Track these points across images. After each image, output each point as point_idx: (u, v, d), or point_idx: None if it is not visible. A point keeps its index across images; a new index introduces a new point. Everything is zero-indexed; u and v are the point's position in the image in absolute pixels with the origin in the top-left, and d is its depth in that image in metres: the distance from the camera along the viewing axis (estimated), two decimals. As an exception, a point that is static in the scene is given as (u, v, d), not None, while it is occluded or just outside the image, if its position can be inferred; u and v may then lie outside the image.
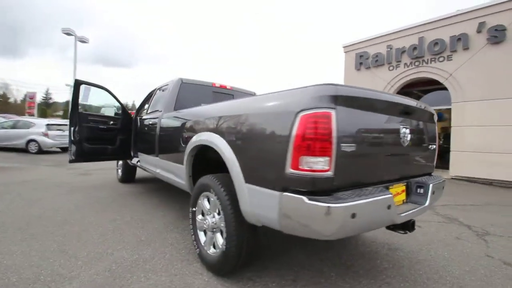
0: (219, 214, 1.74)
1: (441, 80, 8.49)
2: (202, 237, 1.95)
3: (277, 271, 1.93)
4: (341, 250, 2.42)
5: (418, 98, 10.06)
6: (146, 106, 4.35)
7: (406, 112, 1.73)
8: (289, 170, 1.23)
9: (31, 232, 2.64)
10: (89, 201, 3.71)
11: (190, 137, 2.25)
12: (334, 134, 1.19)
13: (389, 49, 9.68)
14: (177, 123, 2.66)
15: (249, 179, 1.47)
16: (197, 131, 2.16)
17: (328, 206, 1.11)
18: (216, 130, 1.82)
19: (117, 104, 4.34)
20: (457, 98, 8.13)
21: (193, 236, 2.03)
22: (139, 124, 4.04)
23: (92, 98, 4.06)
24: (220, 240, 1.74)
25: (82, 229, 2.75)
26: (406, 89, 9.87)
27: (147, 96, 4.39)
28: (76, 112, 3.71)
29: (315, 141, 1.17)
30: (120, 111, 4.41)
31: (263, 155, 1.41)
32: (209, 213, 1.86)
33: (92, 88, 3.92)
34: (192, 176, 2.31)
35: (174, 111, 3.14)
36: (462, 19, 7.72)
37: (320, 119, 1.18)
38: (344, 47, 11.40)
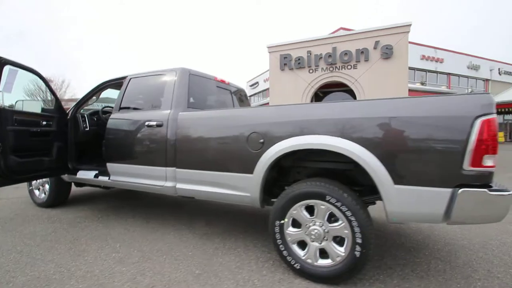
0: (334, 222, 1.69)
1: (349, 84, 10.52)
2: (298, 250, 1.79)
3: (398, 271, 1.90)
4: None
5: (321, 98, 12.04)
6: (99, 103, 3.09)
7: None
8: (468, 168, 1.39)
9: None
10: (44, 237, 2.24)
11: (272, 141, 1.82)
12: (497, 135, 1.44)
13: (309, 54, 11.06)
14: (232, 125, 1.99)
15: (400, 180, 1.52)
16: (288, 135, 1.77)
17: (510, 194, 1.35)
18: (341, 134, 1.64)
19: (49, 96, 2.86)
20: (360, 97, 10.31)
21: (284, 251, 1.80)
22: (111, 126, 2.73)
23: (17, 88, 2.45)
24: (337, 248, 1.68)
25: None
26: (322, 89, 11.63)
27: (98, 88, 3.11)
28: None
29: (492, 141, 1.37)
30: (53, 107, 2.93)
31: (429, 156, 1.48)
32: (312, 222, 1.74)
33: (20, 72, 2.36)
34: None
35: (190, 108, 2.40)
36: (365, 36, 9.81)
37: (493, 123, 1.40)
38: (268, 47, 12.10)
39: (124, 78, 2.88)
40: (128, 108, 2.75)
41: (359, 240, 1.60)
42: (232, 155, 2.05)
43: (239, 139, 2.00)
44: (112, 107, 3.54)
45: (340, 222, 1.67)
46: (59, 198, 3.37)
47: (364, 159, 1.58)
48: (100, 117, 3.42)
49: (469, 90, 23.12)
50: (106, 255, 2.09)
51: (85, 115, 3.29)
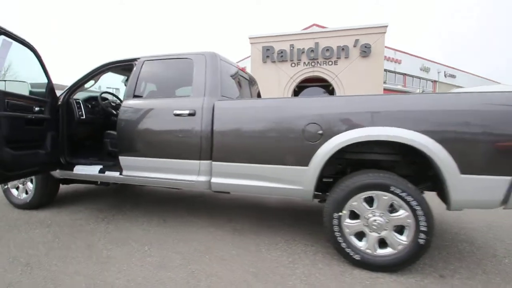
0: (393, 211, 1.75)
1: (329, 80, 10.86)
2: (356, 241, 1.82)
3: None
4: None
5: (297, 93, 12.30)
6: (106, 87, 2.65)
7: None
8: None
9: None
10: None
11: (333, 133, 1.80)
12: None
13: (291, 48, 11.10)
14: (285, 116, 1.87)
15: (466, 170, 1.62)
16: (351, 126, 1.77)
17: None
18: (411, 126, 1.69)
19: (41, 79, 2.33)
20: (340, 93, 10.74)
21: (342, 244, 1.80)
22: (126, 114, 2.30)
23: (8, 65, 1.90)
24: (399, 237, 1.74)
25: None
26: (304, 84, 11.82)
27: (98, 70, 2.63)
28: None
29: None
30: (45, 90, 2.41)
31: (493, 148, 1.59)
32: (372, 213, 1.77)
33: (14, 45, 1.84)
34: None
35: (223, 96, 2.19)
36: (345, 34, 10.15)
37: None
38: (250, 38, 11.84)
39: (134, 60, 2.52)
40: (141, 96, 2.42)
41: (423, 228, 1.65)
42: (284, 147, 1.95)
43: (294, 130, 1.90)
44: (110, 93, 3.13)
45: (402, 211, 1.71)
46: (46, 198, 2.88)
47: (434, 151, 1.64)
48: (98, 104, 2.98)
49: (421, 90, 25.62)
50: (140, 260, 1.84)
51: (80, 101, 2.84)
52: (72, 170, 2.60)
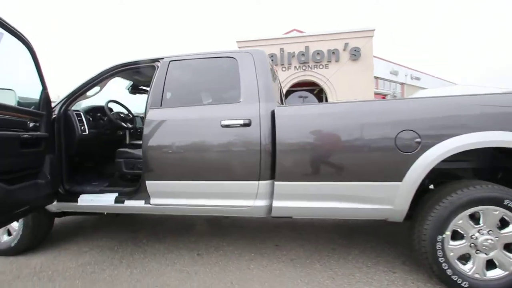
0: (504, 227, 1.53)
1: (321, 83, 10.84)
2: (461, 266, 1.58)
3: None
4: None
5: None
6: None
7: None
8: None
9: None
10: None
11: (435, 140, 1.50)
12: None
13: (281, 52, 10.94)
14: (371, 122, 1.53)
15: None
16: (458, 131, 1.50)
17: None
18: None
19: (30, 86, 1.74)
20: (332, 96, 10.74)
21: (448, 270, 1.54)
22: (154, 128, 1.76)
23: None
24: (510, 256, 1.53)
25: None
26: (294, 88, 11.69)
27: (105, 75, 2.07)
28: None
29: None
30: (39, 100, 1.81)
31: None
32: (478, 232, 1.55)
33: (5, 38, 1.27)
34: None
35: (274, 101, 1.77)
36: (335, 37, 10.20)
37: None
38: (238, 42, 11.51)
39: (155, 61, 2.03)
40: (172, 103, 1.93)
41: None
42: (369, 160, 1.60)
43: (383, 139, 1.57)
44: (116, 102, 2.57)
45: None
46: (37, 240, 2.24)
47: None
48: (103, 116, 2.42)
49: (392, 92, 26.89)
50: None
51: (81, 113, 2.26)
52: (76, 201, 2.02)
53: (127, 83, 2.82)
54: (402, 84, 29.81)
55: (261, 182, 1.71)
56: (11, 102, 1.82)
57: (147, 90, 2.92)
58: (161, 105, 1.88)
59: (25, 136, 1.54)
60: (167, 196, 1.85)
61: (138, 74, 2.43)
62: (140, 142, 2.58)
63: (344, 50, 10.25)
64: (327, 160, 1.65)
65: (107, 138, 2.43)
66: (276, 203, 1.73)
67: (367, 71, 10.27)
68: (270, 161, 1.68)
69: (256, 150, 1.69)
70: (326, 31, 10.49)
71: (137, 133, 2.69)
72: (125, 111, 2.58)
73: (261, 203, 1.74)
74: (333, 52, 10.37)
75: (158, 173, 1.82)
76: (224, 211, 1.81)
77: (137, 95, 2.94)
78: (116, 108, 2.53)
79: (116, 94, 3.03)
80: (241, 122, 1.71)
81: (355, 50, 10.16)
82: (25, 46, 1.58)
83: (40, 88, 1.85)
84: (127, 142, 2.65)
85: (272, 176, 1.70)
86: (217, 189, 1.77)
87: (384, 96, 18.85)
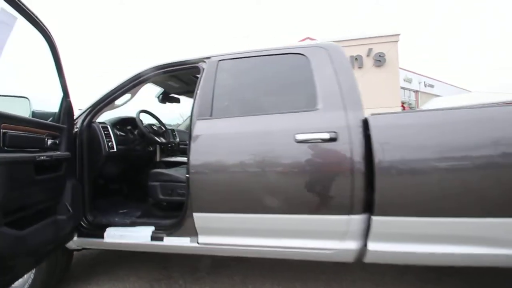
0: None
1: (342, 91, 10.32)
2: None
3: None
4: None
5: None
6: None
7: None
8: None
9: None
10: None
11: None
12: None
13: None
14: None
15: None
16: None
17: None
18: None
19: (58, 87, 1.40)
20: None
21: None
22: (205, 145, 1.34)
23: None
24: None
25: None
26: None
27: (137, 79, 1.71)
28: None
29: None
30: (61, 109, 1.47)
31: None
32: None
33: (19, 24, 0.96)
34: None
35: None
36: (358, 43, 9.79)
37: None
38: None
39: (200, 61, 1.64)
40: (225, 113, 1.51)
41: None
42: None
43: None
44: (146, 112, 2.18)
45: None
46: (52, 282, 1.82)
47: None
48: (132, 130, 2.04)
49: (407, 100, 25.83)
50: None
51: (108, 126, 1.88)
52: (101, 236, 1.60)
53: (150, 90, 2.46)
54: (416, 91, 28.86)
55: (352, 216, 1.24)
56: (25, 113, 1.46)
57: (178, 99, 2.55)
58: (211, 115, 1.46)
59: (42, 158, 1.14)
60: (221, 234, 1.40)
61: (173, 79, 2.06)
62: (173, 159, 2.15)
63: (367, 56, 9.80)
64: (458, 186, 1.17)
65: (136, 156, 2.04)
66: (373, 246, 1.25)
67: (392, 78, 9.73)
68: (365, 189, 1.22)
69: (345, 173, 1.23)
70: (347, 36, 10.10)
71: (168, 149, 2.30)
72: (157, 123, 2.19)
73: (351, 245, 1.27)
74: (356, 58, 9.94)
75: (211, 203, 1.39)
76: (298, 254, 1.35)
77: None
78: (145, 119, 2.14)
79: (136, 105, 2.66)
80: (324, 136, 1.26)
81: (379, 55, 9.70)
82: (43, 36, 1.21)
83: (60, 94, 1.48)
84: (158, 159, 2.26)
85: (368, 209, 1.23)
86: (290, 225, 1.31)
87: (402, 104, 18.11)
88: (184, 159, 2.28)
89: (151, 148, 2.16)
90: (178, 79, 2.07)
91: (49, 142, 1.32)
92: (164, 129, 2.18)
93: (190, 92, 2.47)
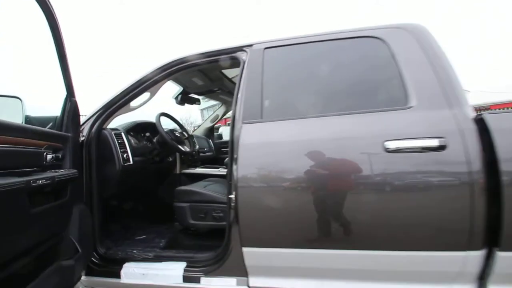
0: None
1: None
2: None
3: None
4: None
5: None
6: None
7: None
8: None
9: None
10: None
11: None
12: None
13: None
14: None
15: None
16: None
17: None
18: None
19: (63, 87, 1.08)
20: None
21: None
22: (253, 159, 0.98)
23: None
24: None
25: None
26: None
27: (159, 74, 1.38)
28: None
29: None
30: (64, 113, 1.14)
31: None
32: None
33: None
34: None
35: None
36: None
37: None
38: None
39: (239, 49, 1.32)
40: (283, 112, 1.17)
41: None
42: None
43: None
44: (167, 115, 1.84)
45: None
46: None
47: None
48: (151, 137, 1.69)
49: None
50: None
51: (122, 133, 1.53)
52: (117, 275, 1.25)
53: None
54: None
55: (470, 253, 0.91)
56: (17, 117, 1.11)
57: (198, 99, 2.21)
58: (261, 117, 1.13)
59: (40, 182, 0.79)
60: (283, 275, 1.06)
61: (199, 75, 1.72)
62: (196, 171, 1.82)
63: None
64: None
65: (154, 168, 1.69)
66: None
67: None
68: (488, 214, 0.89)
69: (460, 193, 0.91)
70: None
71: (189, 159, 1.95)
72: (178, 128, 1.84)
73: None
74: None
75: (269, 234, 1.05)
76: None
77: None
78: (165, 123, 1.78)
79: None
80: (427, 143, 0.93)
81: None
82: (47, 19, 0.87)
83: (64, 93, 1.14)
84: (177, 171, 1.91)
85: (492, 242, 0.90)
86: (378, 264, 0.98)
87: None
88: (207, 170, 1.93)
89: (170, 159, 1.81)
90: (205, 75, 1.73)
91: (49, 157, 0.97)
92: (186, 135, 1.83)
93: (211, 92, 2.13)
